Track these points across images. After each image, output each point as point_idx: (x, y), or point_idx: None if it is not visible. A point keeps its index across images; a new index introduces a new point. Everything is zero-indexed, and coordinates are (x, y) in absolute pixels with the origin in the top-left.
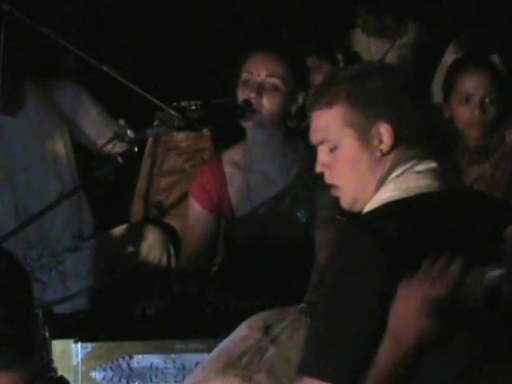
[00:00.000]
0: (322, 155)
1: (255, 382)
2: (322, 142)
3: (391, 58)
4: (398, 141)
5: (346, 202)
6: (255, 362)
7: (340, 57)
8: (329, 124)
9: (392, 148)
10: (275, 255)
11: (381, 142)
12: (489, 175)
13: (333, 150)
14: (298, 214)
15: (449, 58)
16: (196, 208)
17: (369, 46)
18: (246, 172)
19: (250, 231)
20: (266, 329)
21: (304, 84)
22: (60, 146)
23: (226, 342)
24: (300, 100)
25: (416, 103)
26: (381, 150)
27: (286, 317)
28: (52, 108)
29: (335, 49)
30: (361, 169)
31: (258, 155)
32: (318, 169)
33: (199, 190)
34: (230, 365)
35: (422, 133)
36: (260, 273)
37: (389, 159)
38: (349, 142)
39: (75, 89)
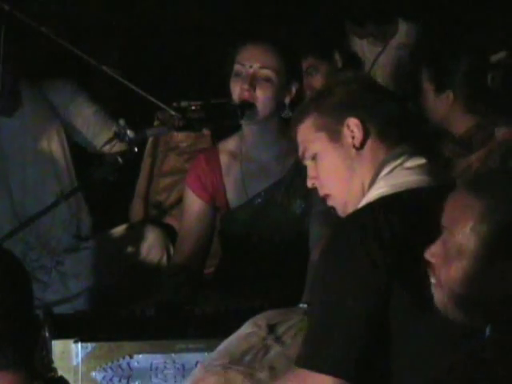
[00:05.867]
0: (310, 170)
1: (257, 380)
2: (304, 156)
3: (386, 59)
4: (368, 135)
5: (340, 209)
6: (258, 360)
7: (337, 57)
8: (305, 135)
9: (365, 142)
10: (270, 248)
11: (353, 137)
12: (474, 169)
13: (313, 159)
14: (294, 204)
15: None
16: (191, 197)
17: (362, 48)
18: (241, 162)
19: (245, 222)
20: (271, 327)
21: (297, 74)
22: (56, 146)
23: (230, 339)
24: (293, 90)
25: (380, 100)
26: (354, 145)
27: (291, 317)
28: (47, 108)
29: (333, 49)
30: (340, 169)
31: (254, 145)
32: (309, 184)
33: (194, 179)
34: (233, 361)
35: (400, 127)
36: (256, 267)
37: (365, 155)
38: (323, 145)
39: (70, 89)
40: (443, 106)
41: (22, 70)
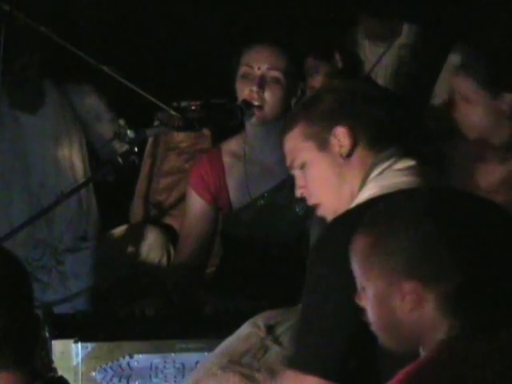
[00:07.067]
0: (298, 179)
1: (256, 381)
2: (293, 166)
3: (389, 59)
4: (357, 142)
5: (330, 218)
6: (257, 361)
7: (337, 57)
8: (292, 144)
9: (353, 150)
10: (271, 249)
11: (341, 146)
12: None
13: (302, 168)
14: (296, 206)
15: (454, 57)
16: (193, 198)
17: (364, 49)
18: (244, 162)
19: (248, 223)
20: (270, 328)
21: (302, 75)
22: (76, 152)
23: (229, 339)
24: (299, 92)
25: (370, 106)
26: (341, 154)
27: (290, 317)
28: (70, 111)
29: (333, 49)
30: (329, 177)
31: (258, 147)
32: (298, 193)
33: (197, 180)
34: (232, 362)
35: (390, 133)
36: (256, 267)
37: (354, 162)
38: (312, 154)
39: (93, 94)
40: (496, 112)
41: (37, 69)
